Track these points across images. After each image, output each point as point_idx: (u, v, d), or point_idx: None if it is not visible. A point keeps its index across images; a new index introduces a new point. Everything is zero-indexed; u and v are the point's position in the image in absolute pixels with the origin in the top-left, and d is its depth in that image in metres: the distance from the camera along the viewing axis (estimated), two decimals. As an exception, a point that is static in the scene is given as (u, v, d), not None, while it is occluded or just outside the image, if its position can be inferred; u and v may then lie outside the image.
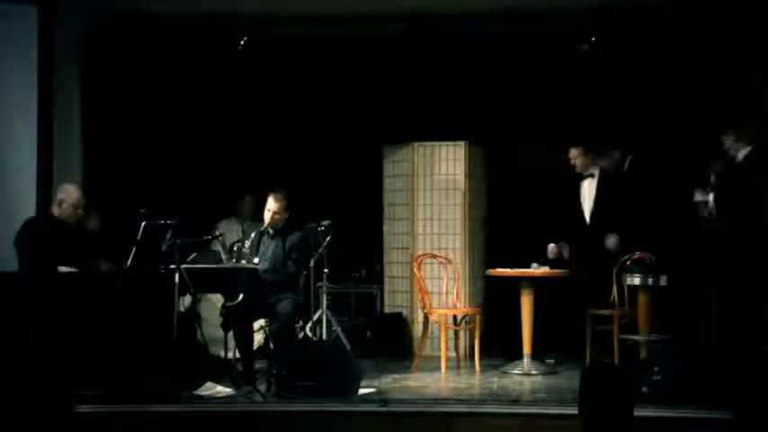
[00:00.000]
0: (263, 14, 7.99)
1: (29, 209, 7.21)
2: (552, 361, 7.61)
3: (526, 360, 7.38)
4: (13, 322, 6.03)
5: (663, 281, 7.14)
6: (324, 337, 7.78)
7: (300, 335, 7.34)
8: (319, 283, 7.88)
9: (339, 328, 7.99)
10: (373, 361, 7.61)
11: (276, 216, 7.10)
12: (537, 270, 7.38)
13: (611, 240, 7.55)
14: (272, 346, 6.88)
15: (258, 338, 7.09)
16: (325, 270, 7.90)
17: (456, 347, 7.72)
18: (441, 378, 7.22)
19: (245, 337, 6.65)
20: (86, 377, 5.77)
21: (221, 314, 6.59)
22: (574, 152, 7.73)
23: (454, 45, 8.31)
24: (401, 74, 8.72)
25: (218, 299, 6.94)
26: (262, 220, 7.24)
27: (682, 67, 8.15)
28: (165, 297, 6.05)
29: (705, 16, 7.55)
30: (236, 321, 6.54)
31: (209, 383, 6.30)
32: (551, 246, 7.76)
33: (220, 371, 6.58)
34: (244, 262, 6.84)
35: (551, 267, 7.48)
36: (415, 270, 7.82)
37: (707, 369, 5.82)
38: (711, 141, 6.90)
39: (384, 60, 8.58)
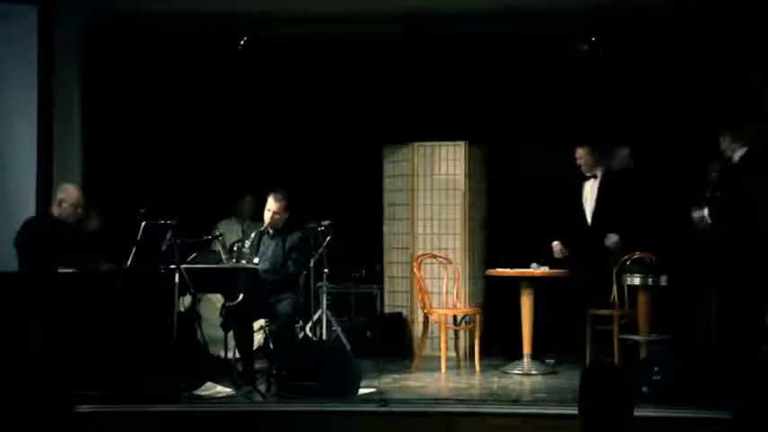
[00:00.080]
0: (263, 14, 7.99)
1: (29, 209, 7.21)
2: (552, 361, 7.62)
3: (526, 360, 7.38)
4: (13, 322, 6.02)
5: (663, 281, 7.14)
6: (324, 337, 7.78)
7: (300, 335, 7.34)
8: (319, 283, 7.88)
9: (339, 328, 7.99)
10: (373, 361, 7.62)
11: (276, 216, 7.10)
12: (537, 270, 7.38)
13: (611, 239, 7.55)
14: (272, 346, 6.88)
15: (258, 338, 7.09)
16: (325, 270, 7.91)
17: (456, 347, 7.72)
18: (441, 378, 7.22)
19: (245, 337, 6.65)
20: (86, 377, 5.77)
21: (221, 314, 6.59)
22: (580, 152, 7.73)
23: (454, 45, 8.31)
24: (401, 74, 8.72)
25: (218, 299, 6.94)
26: (262, 220, 7.24)
27: (681, 68, 8.15)
28: (165, 297, 6.05)
29: (705, 16, 7.55)
30: (236, 321, 6.55)
31: (209, 383, 6.30)
32: (556, 244, 7.76)
33: (220, 371, 6.58)
34: (244, 262, 6.84)
35: (551, 267, 7.48)
36: (415, 270, 7.82)
37: (707, 369, 5.82)
38: (711, 141, 6.90)
39: (384, 60, 8.58)
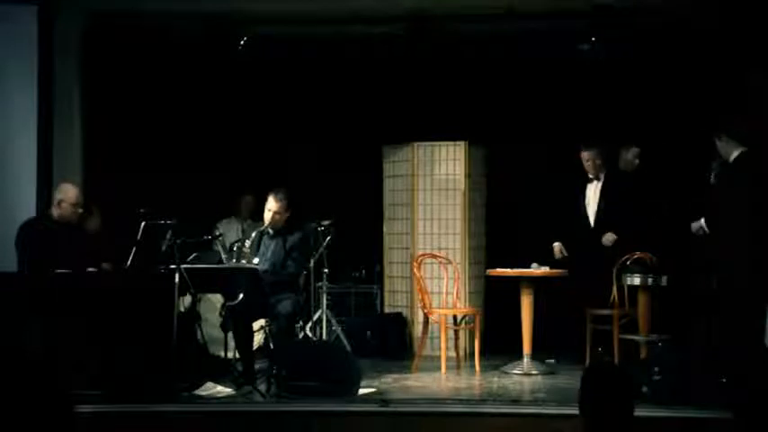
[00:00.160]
0: (263, 14, 8.00)
1: (29, 209, 7.21)
2: (552, 361, 7.62)
3: (526, 360, 7.38)
4: (13, 322, 6.02)
5: (663, 281, 7.14)
6: (324, 337, 7.78)
7: (300, 335, 7.33)
8: (319, 283, 7.88)
9: (339, 328, 7.99)
10: (373, 361, 7.62)
11: (276, 216, 7.10)
12: (537, 270, 7.38)
13: (608, 238, 7.56)
14: (272, 346, 6.87)
15: (258, 338, 7.08)
16: (325, 270, 7.91)
17: (456, 347, 7.72)
18: (441, 378, 7.21)
19: (245, 337, 6.65)
20: (86, 377, 5.77)
21: (221, 314, 6.59)
22: (587, 155, 7.71)
23: (454, 45, 8.31)
24: (401, 74, 8.72)
25: (218, 299, 6.93)
26: (262, 220, 7.24)
27: (681, 68, 8.15)
28: (165, 297, 6.05)
29: (705, 16, 7.55)
30: (236, 321, 6.54)
31: (209, 383, 6.30)
32: (557, 245, 7.77)
33: (220, 371, 6.58)
34: (244, 262, 6.84)
35: (551, 267, 7.48)
36: (415, 270, 7.81)
37: (707, 369, 5.82)
38: (711, 141, 6.90)
39: (384, 60, 8.58)
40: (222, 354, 6.73)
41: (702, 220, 6.97)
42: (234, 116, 9.05)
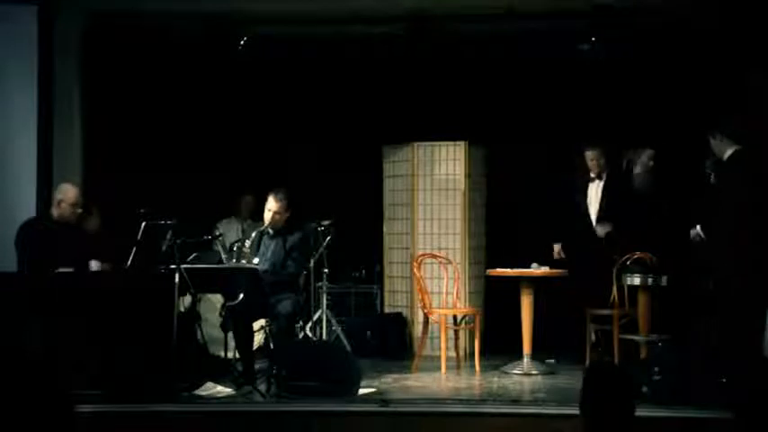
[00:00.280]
0: (263, 14, 8.00)
1: (29, 209, 7.21)
2: (552, 361, 7.62)
3: (526, 360, 7.37)
4: (13, 322, 6.02)
5: (663, 281, 7.14)
6: (324, 337, 7.78)
7: (300, 335, 7.33)
8: (319, 283, 7.88)
9: (339, 328, 7.99)
10: (373, 361, 7.62)
11: (276, 216, 7.10)
12: (537, 270, 7.38)
13: (604, 228, 7.57)
14: (272, 346, 6.87)
15: (258, 338, 7.08)
16: (325, 270, 7.91)
17: (456, 347, 7.71)
18: (441, 378, 7.21)
19: (245, 337, 6.65)
20: (86, 377, 5.76)
21: (221, 314, 6.59)
22: (591, 154, 7.72)
23: (454, 45, 8.31)
24: (401, 74, 8.72)
25: (218, 299, 6.93)
26: (262, 220, 7.23)
27: (681, 68, 8.15)
28: (165, 297, 6.05)
29: (705, 16, 7.55)
30: (236, 321, 6.54)
31: (209, 383, 6.29)
32: (557, 246, 7.77)
33: (220, 371, 6.57)
34: (244, 262, 6.84)
35: (551, 267, 7.48)
36: (415, 270, 7.81)
37: (707, 369, 5.82)
38: (705, 139, 6.91)
39: (384, 60, 8.58)
40: (222, 354, 6.72)
41: (699, 227, 6.96)
42: (234, 116, 9.05)
